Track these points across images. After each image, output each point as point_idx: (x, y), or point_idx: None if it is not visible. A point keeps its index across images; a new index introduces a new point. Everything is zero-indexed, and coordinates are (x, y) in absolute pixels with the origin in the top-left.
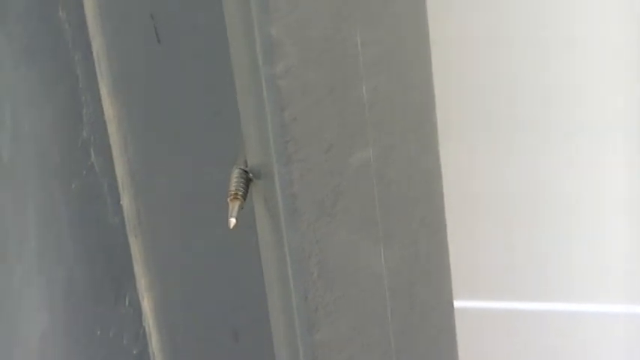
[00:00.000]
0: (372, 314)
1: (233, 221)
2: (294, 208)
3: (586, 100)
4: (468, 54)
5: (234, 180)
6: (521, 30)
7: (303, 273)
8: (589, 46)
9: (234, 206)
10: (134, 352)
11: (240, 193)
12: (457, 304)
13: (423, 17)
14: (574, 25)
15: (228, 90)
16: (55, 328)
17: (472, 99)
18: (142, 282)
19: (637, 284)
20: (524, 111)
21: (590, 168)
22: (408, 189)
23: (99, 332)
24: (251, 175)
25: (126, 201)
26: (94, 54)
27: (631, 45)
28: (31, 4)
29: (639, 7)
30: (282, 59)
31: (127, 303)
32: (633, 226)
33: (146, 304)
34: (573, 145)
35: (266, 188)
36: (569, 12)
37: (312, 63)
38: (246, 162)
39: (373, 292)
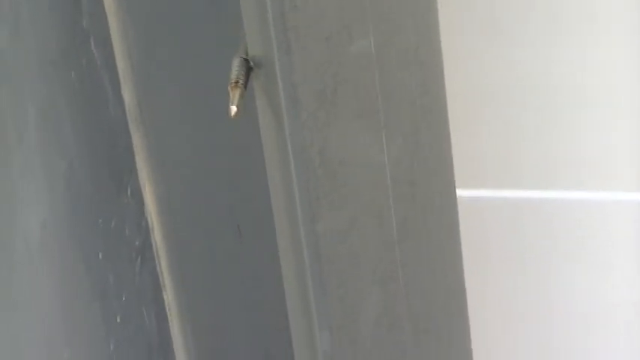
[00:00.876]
0: (374, 204)
1: (234, 109)
2: (295, 96)
3: None
4: None
5: (235, 68)
6: None
7: (305, 162)
8: None
9: (235, 94)
10: (136, 243)
11: (241, 82)
12: (460, 192)
13: None
14: None
15: None
16: (55, 218)
17: None
18: (143, 173)
19: None
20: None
21: (597, 58)
22: (408, 78)
23: (100, 222)
24: (252, 63)
25: (127, 92)
26: None
27: None
28: None
29: None
30: None
31: (128, 194)
32: None
33: (148, 196)
34: (578, 36)
35: (267, 77)
36: None
37: None
38: (247, 51)
39: (375, 182)
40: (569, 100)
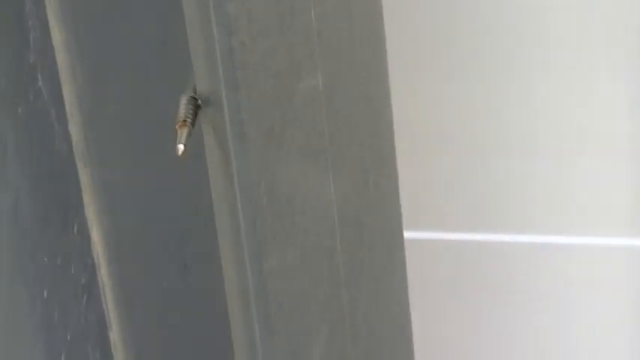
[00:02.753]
0: (322, 243)
1: (181, 148)
2: (243, 134)
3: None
4: None
5: (183, 106)
6: None
7: (252, 200)
8: None
9: (183, 133)
10: (82, 281)
11: (189, 120)
12: (407, 234)
13: None
14: None
15: (176, 16)
16: (0, 255)
17: (423, 30)
18: (90, 210)
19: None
20: (474, 40)
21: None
22: (357, 117)
23: (46, 259)
24: (200, 101)
25: (74, 127)
26: None
27: None
28: None
29: None
30: None
31: (75, 231)
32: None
33: (95, 233)
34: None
35: (215, 115)
36: None
37: None
38: (195, 89)
39: (322, 221)
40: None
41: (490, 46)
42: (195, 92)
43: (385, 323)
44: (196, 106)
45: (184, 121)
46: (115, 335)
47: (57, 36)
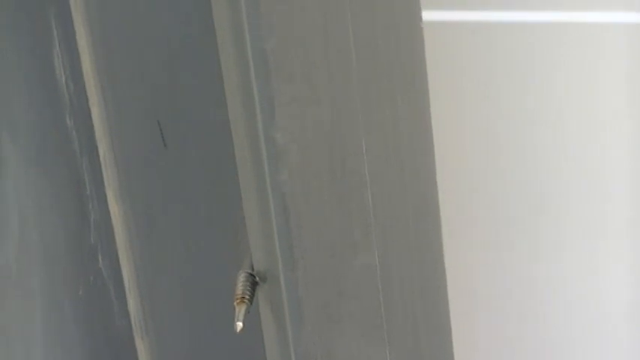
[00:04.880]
0: None
1: (240, 325)
2: (300, 311)
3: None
4: (467, 149)
5: (241, 283)
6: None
7: None
8: None
9: (241, 310)
10: None
11: (247, 297)
12: None
13: (427, 115)
14: None
15: (233, 194)
16: None
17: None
18: None
19: None
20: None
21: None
22: (412, 290)
23: None
24: (257, 278)
25: (132, 303)
26: (101, 159)
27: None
28: (41, 112)
29: None
30: (286, 165)
31: None
32: None
33: None
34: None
35: (272, 292)
36: None
37: (316, 169)
38: (252, 265)
39: None
40: None
41: None
42: (252, 269)
43: None
44: (254, 283)
45: (242, 297)
46: None
47: (116, 215)
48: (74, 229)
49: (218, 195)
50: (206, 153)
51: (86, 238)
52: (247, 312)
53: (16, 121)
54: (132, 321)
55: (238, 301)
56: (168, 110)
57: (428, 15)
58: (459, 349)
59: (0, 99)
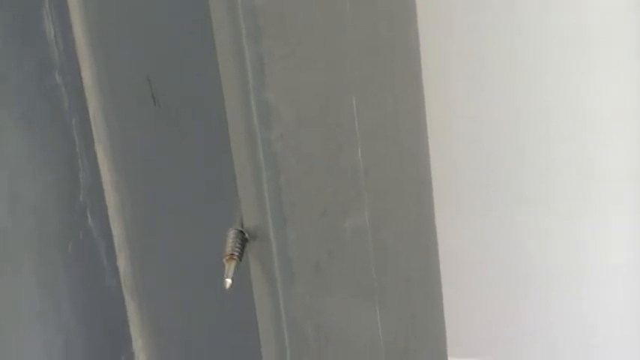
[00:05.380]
0: None
1: (229, 282)
2: (291, 270)
3: None
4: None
5: (231, 241)
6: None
7: (299, 335)
8: None
9: (230, 266)
10: None
11: (236, 254)
12: None
13: (419, 83)
14: None
15: (224, 153)
16: None
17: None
18: (138, 343)
19: None
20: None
21: None
22: (404, 252)
23: None
24: (247, 235)
25: (122, 263)
26: (91, 118)
27: None
28: (30, 72)
29: None
30: (277, 124)
31: None
32: None
33: None
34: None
35: (262, 250)
36: None
37: (308, 128)
38: (242, 223)
39: (369, 354)
40: None
41: None
42: (242, 226)
43: None
44: (244, 240)
45: (232, 254)
46: None
47: (106, 174)
48: (63, 187)
49: (209, 153)
50: (197, 111)
51: (75, 195)
52: (237, 268)
53: (5, 83)
54: (121, 280)
55: (227, 257)
56: (158, 68)
57: None
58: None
59: None
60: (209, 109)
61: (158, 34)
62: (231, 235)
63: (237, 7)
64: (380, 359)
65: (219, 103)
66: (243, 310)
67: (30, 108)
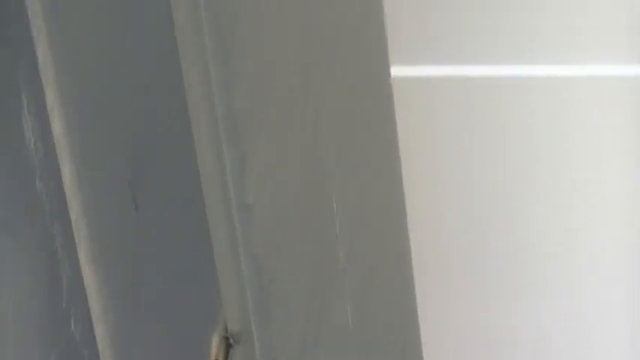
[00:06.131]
0: None
1: None
2: None
3: None
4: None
5: (215, 346)
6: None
7: None
8: None
9: None
10: None
11: None
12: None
13: (397, 169)
14: None
15: (207, 257)
16: None
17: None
18: None
19: None
20: None
21: None
22: (388, 345)
23: None
24: (231, 340)
25: None
26: (73, 223)
27: None
28: (9, 176)
29: None
30: (258, 224)
31: None
32: None
33: None
34: None
35: (245, 354)
36: None
37: (289, 226)
38: (226, 328)
39: None
40: None
41: None
42: (226, 331)
43: None
44: (228, 345)
45: None
46: None
47: (88, 278)
48: (45, 294)
49: (193, 258)
50: (179, 216)
51: (58, 302)
52: None
53: None
54: None
55: None
56: (139, 173)
57: (400, 71)
58: None
59: None
60: (190, 214)
61: (140, 140)
62: (215, 341)
63: (215, 109)
64: None
65: (201, 209)
66: None
67: (10, 215)
